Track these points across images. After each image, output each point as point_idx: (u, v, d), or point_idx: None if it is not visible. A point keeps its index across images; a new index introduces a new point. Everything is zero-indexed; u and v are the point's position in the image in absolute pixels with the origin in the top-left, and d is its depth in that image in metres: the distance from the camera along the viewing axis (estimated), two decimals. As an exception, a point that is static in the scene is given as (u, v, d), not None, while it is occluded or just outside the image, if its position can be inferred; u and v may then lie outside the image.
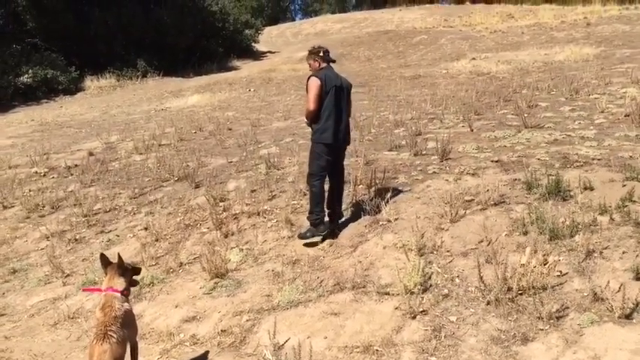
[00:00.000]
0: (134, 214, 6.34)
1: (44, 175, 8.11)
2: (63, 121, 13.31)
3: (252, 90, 14.24)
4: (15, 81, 18.20)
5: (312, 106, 4.81)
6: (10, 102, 17.45)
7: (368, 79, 13.57)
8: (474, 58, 15.10)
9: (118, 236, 5.92)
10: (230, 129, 9.48)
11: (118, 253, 3.60)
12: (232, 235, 5.39)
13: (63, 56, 19.95)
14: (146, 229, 5.84)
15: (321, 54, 5.07)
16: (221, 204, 6.00)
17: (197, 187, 6.63)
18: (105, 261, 3.44)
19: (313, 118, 4.87)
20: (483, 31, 21.14)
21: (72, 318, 4.74)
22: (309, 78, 4.90)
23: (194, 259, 5.15)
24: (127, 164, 8.04)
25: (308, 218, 5.01)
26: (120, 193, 6.93)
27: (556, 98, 8.45)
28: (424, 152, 6.53)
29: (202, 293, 4.63)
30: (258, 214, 5.64)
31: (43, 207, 6.87)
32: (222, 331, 4.15)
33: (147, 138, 9.18)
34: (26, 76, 18.49)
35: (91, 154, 8.87)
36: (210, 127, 9.66)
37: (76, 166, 8.24)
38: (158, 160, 7.75)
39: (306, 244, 4.95)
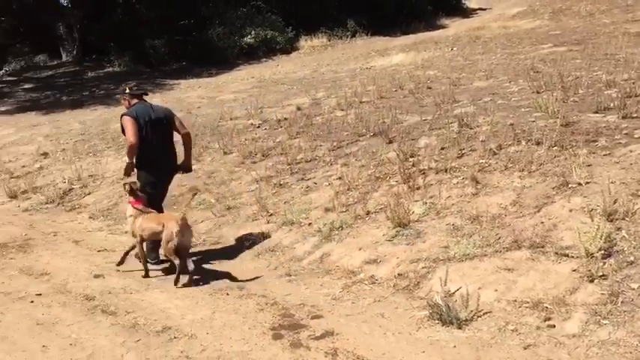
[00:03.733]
0: (331, 164, 6.91)
1: (258, 127, 9.09)
2: (278, 78, 14.56)
3: (454, 49, 14.10)
4: (240, 42, 20.22)
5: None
6: (235, 60, 19.44)
7: (585, 36, 12.58)
8: None
9: (316, 184, 6.53)
10: (429, 87, 9.62)
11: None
12: (418, 189, 5.65)
13: (281, 18, 21.56)
14: (340, 178, 6.36)
15: (127, 91, 5.50)
16: (410, 159, 6.27)
17: (390, 142, 6.97)
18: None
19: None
20: None
21: (272, 251, 5.46)
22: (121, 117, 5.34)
23: (380, 208, 5.53)
24: (329, 119, 8.67)
25: None
26: (320, 145, 7.56)
27: None
28: (634, 115, 6.06)
29: (384, 240, 5.00)
30: (445, 171, 5.81)
31: (255, 154, 7.78)
32: (398, 274, 4.50)
33: (349, 95, 9.73)
34: (249, 37, 20.42)
35: (298, 108, 9.69)
36: (410, 86, 9.89)
37: (285, 119, 9.09)
38: (357, 116, 8.23)
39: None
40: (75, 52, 22.38)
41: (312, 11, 21.86)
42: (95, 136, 10.51)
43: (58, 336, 3.93)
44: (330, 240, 5.32)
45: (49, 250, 5.91)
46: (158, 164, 5.37)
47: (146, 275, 5.11)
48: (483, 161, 5.79)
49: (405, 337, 3.72)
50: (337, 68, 14.62)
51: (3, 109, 15.27)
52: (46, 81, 19.07)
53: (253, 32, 20.50)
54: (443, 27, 22.14)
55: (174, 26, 20.07)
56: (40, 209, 7.66)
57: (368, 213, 5.54)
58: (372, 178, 6.20)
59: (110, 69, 19.52)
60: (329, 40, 21.13)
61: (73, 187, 8.15)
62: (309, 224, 5.72)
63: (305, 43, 21.02)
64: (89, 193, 7.93)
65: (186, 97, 13.52)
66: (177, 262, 4.78)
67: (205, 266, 5.28)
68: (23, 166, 9.45)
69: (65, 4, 24.68)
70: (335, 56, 17.59)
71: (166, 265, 5.23)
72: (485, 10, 25.96)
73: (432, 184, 5.68)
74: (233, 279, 4.96)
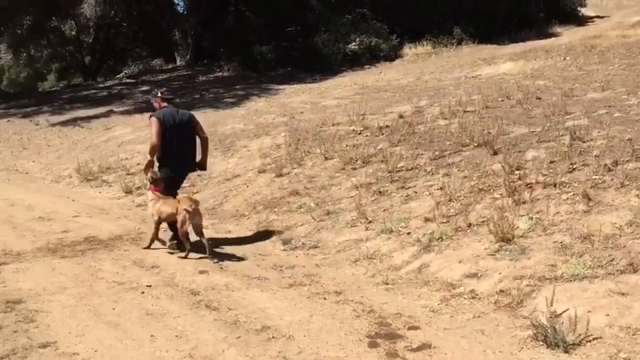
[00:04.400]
0: (432, 174, 6.81)
1: (359, 133, 9.12)
2: (380, 85, 14.56)
3: (567, 58, 13.45)
4: (344, 48, 20.43)
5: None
6: (338, 67, 19.66)
7: None
8: None
9: (416, 192, 6.46)
10: (539, 98, 9.24)
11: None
12: (524, 203, 5.44)
13: (386, 25, 21.54)
14: (441, 189, 6.25)
15: (159, 95, 6.30)
16: (516, 172, 6.05)
17: (495, 153, 6.76)
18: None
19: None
20: None
21: (370, 258, 5.45)
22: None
23: (482, 221, 5.38)
24: (431, 128, 8.55)
25: None
26: (421, 154, 7.47)
27: None
28: None
29: (486, 254, 4.86)
30: (554, 186, 5.56)
31: (356, 161, 7.81)
32: (500, 291, 4.35)
33: (453, 104, 9.55)
34: (353, 43, 20.59)
35: (400, 116, 9.63)
36: (518, 96, 9.55)
37: (386, 126, 9.06)
38: (460, 126, 8.06)
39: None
40: (188, 57, 23.55)
41: (418, 19, 21.66)
42: (204, 138, 10.98)
43: (165, 327, 4.13)
44: (429, 250, 5.24)
45: (158, 244, 6.24)
46: (176, 163, 6.12)
47: (147, 247, 5.98)
48: (597, 177, 5.48)
49: (506, 357, 3.59)
50: (441, 76, 14.39)
51: (122, 109, 16.34)
52: (161, 84, 20.17)
53: (358, 39, 20.64)
54: (555, 35, 21.21)
55: (282, 33, 20.62)
56: (152, 205, 8.11)
57: (469, 225, 5.40)
58: (474, 190, 6.05)
59: (220, 73, 20.37)
60: (433, 48, 20.85)
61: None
62: (408, 233, 5.66)
63: (409, 50, 20.87)
64: (197, 192, 8.28)
65: (289, 102, 13.83)
66: (189, 246, 5.66)
67: (302, 270, 5.36)
68: (138, 164, 10.02)
69: (181, 12, 26.06)
70: (439, 64, 17.33)
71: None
72: (602, 18, 24.62)
73: (539, 199, 5.45)
74: (328, 284, 4.99)
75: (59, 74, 30.28)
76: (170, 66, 24.22)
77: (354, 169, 7.62)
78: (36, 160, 12.05)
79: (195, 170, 6.54)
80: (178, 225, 5.64)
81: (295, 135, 9.59)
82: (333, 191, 7.17)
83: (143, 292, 4.80)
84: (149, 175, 6.02)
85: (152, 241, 6.01)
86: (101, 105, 17.26)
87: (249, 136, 10.48)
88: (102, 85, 22.20)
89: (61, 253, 5.90)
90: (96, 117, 15.72)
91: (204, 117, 13.49)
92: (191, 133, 6.25)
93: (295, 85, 16.88)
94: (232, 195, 7.93)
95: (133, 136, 12.44)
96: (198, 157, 6.41)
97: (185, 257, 5.64)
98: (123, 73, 24.90)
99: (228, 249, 6.04)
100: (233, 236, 6.58)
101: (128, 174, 9.60)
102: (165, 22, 25.52)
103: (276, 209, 7.08)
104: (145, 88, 19.67)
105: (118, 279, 5.13)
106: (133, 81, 22.06)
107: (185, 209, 5.58)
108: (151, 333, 4.03)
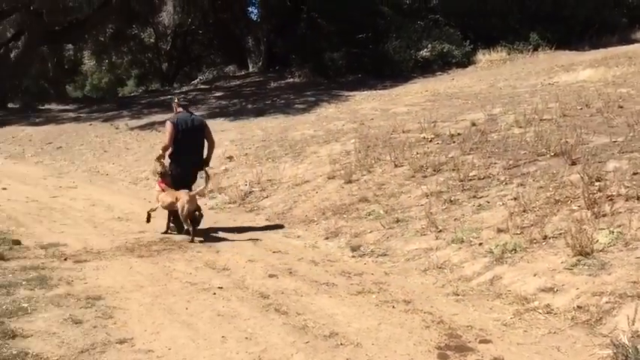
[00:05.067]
0: (506, 183, 6.64)
1: (430, 141, 9.01)
2: (452, 92, 14.33)
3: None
4: (415, 55, 20.23)
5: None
6: (409, 73, 19.47)
7: None
8: None
9: (488, 202, 6.32)
10: (621, 107, 8.83)
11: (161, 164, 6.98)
12: (604, 216, 5.21)
13: (459, 31, 21.18)
14: (515, 199, 6.08)
15: (176, 101, 7.42)
16: (596, 184, 5.81)
17: (573, 164, 6.52)
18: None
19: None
20: None
21: (439, 267, 5.37)
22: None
23: (559, 234, 5.19)
24: (505, 136, 8.33)
25: None
26: (495, 163, 7.29)
27: None
28: None
29: (562, 268, 4.69)
30: (638, 199, 5.30)
31: (426, 169, 7.72)
32: (577, 307, 4.19)
33: (529, 112, 9.27)
34: (425, 50, 20.33)
35: (473, 124, 9.44)
36: (599, 104, 9.17)
37: (458, 134, 8.91)
38: (536, 135, 7.81)
39: None
40: (260, 64, 24.03)
41: (492, 25, 21.19)
42: (275, 143, 11.14)
43: (236, 329, 4.21)
44: (501, 262, 5.10)
45: (230, 247, 6.38)
46: (184, 162, 6.99)
47: (165, 232, 6.99)
48: (686, 191, 5.19)
49: (583, 376, 3.45)
50: (516, 83, 14.01)
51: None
52: (234, 90, 20.67)
53: (430, 45, 20.39)
54: (638, 41, 20.25)
55: (353, 39, 20.65)
56: (224, 208, 8.32)
57: (545, 237, 5.23)
58: (550, 201, 5.85)
59: (291, 80, 20.63)
60: (508, 54, 20.32)
61: (253, 190, 8.73)
62: (480, 244, 5.54)
63: (482, 56, 20.43)
64: (267, 197, 8.43)
65: (360, 109, 13.83)
66: (190, 228, 6.61)
67: (370, 278, 5.34)
68: (211, 168, 10.31)
69: (255, 19, 26.63)
70: (514, 71, 16.89)
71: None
72: (690, 22, 23.27)
73: (620, 212, 5.21)
74: (397, 293, 4.95)
75: (138, 80, 31.65)
76: (243, 72, 24.75)
77: (425, 177, 7.53)
78: (116, 162, 12.58)
79: (202, 169, 7.18)
80: (179, 210, 6.62)
81: (365, 142, 9.57)
82: (403, 199, 7.11)
83: (214, 294, 4.92)
84: (159, 169, 6.96)
85: (167, 227, 7.04)
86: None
87: (319, 142, 10.56)
88: (178, 91, 22.91)
89: (138, 253, 6.14)
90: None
91: (276, 122, 13.74)
92: (201, 137, 7.09)
93: (365, 92, 16.87)
94: (302, 200, 8.00)
95: (206, 140, 12.79)
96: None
97: (191, 238, 6.60)
98: (198, 79, 25.65)
99: (296, 254, 6.11)
100: (302, 242, 6.63)
101: (201, 178, 9.86)
102: (239, 30, 26.17)
103: (345, 215, 7.09)
104: (218, 93, 20.19)
105: (191, 279, 5.27)
106: (207, 87, 22.67)
107: (183, 197, 6.61)
108: (222, 334, 4.12)
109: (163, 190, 6.91)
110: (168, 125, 7.00)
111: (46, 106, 22.89)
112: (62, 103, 23.65)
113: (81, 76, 34.71)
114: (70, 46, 29.24)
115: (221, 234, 6.99)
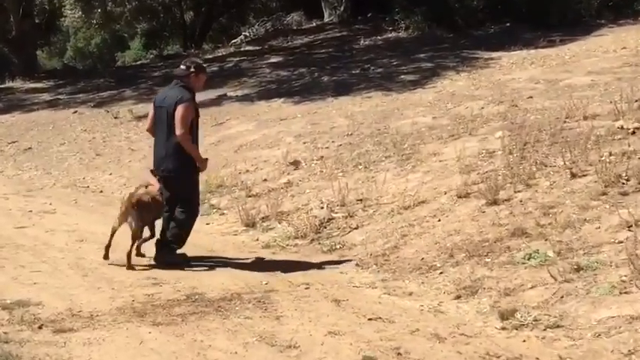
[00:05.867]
0: None
1: (633, 133, 8.79)
2: (668, 50, 13.98)
3: None
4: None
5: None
6: (593, 20, 19.08)
7: None
8: None
9: None
10: None
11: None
12: None
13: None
14: None
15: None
16: None
17: None
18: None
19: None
20: None
21: None
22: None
23: None
24: None
25: None
26: None
27: None
28: None
29: None
30: None
31: (627, 180, 7.53)
32: None
33: None
34: (621, -19, 20.02)
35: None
36: None
37: (681, 122, 8.69)
38: None
39: None
40: (342, 10, 24.15)
41: None
42: (368, 139, 11.20)
43: None
44: None
45: (297, 310, 6.41)
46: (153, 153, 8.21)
47: None
48: None
49: None
50: None
51: (240, 93, 17.06)
52: (300, 52, 20.86)
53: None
54: None
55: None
56: (287, 246, 8.41)
57: None
58: None
59: (392, 34, 20.68)
60: None
61: (334, 215, 8.79)
62: None
63: None
64: (357, 227, 8.46)
65: (509, 80, 13.70)
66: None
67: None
68: (265, 180, 10.48)
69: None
70: None
71: None
72: None
73: None
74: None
75: (147, 40, 32.51)
76: (314, 23, 24.98)
77: (625, 194, 7.38)
78: (114, 171, 12.93)
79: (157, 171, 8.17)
80: None
81: (520, 135, 9.47)
82: (587, 231, 6.98)
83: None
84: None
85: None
86: (209, 87, 18.11)
87: (441, 136, 10.54)
88: (210, 56, 23.35)
89: (151, 318, 6.26)
90: (201, 105, 16.55)
91: (369, 105, 13.79)
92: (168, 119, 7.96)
93: (518, 52, 16.68)
94: (414, 233, 7.99)
95: (257, 135, 12.95)
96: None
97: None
98: (242, 37, 26.05)
99: (407, 323, 6.07)
100: (416, 302, 6.60)
101: (249, 195, 10.03)
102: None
103: (487, 259, 7.02)
104: (275, 59, 20.45)
105: (238, 364, 5.34)
106: (256, 48, 23.00)
107: None
108: None
109: None
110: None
111: (7, 84, 23.73)
112: (31, 78, 24.51)
113: (60, 35, 35.88)
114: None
115: (281, 288, 7.04)
